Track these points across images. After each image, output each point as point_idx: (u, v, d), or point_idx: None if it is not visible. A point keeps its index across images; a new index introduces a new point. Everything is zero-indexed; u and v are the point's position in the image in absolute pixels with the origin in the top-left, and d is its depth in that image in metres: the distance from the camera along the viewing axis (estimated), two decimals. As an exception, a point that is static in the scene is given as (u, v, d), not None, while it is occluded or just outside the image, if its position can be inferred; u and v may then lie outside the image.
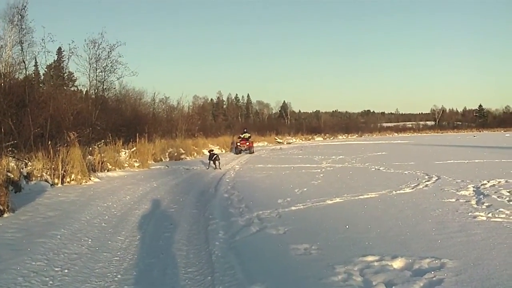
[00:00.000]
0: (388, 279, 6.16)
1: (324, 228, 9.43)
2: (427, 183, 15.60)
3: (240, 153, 43.72)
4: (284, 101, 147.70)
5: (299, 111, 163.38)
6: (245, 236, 9.20)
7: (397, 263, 6.78)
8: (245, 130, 48.79)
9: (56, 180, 18.09)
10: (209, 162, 27.23)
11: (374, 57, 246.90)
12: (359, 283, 6.14)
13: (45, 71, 35.08)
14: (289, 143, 77.96)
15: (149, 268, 7.75)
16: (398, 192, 13.94)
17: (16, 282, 6.79)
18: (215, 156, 27.25)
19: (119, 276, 7.30)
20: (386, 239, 8.25)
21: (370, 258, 7.04)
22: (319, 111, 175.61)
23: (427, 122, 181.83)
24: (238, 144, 45.05)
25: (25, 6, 26.66)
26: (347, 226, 9.39)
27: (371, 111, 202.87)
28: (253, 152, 44.47)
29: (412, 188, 14.56)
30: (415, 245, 7.67)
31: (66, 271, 7.48)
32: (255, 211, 11.48)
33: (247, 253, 7.88)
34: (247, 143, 44.99)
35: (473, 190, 13.46)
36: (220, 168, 26.19)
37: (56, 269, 7.55)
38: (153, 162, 30.31)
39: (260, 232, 9.43)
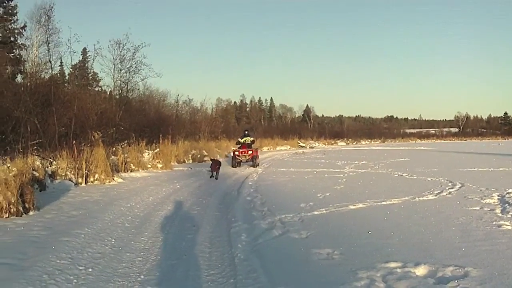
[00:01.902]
0: (411, 286, 6.12)
1: (346, 233, 9.41)
2: (450, 190, 15.49)
3: (238, 165, 31.43)
4: (307, 105, 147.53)
5: (322, 115, 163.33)
6: (268, 239, 9.21)
7: (420, 270, 6.74)
8: (246, 132, 34.74)
9: (80, 180, 18.22)
10: (212, 171, 23.70)
11: (398, 62, 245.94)
12: (381, 289, 6.09)
13: (70, 71, 35.49)
14: (312, 147, 77.95)
15: (172, 269, 7.79)
16: (421, 198, 13.85)
17: (41, 279, 6.85)
18: (218, 164, 23.85)
19: (142, 276, 7.35)
20: (409, 245, 8.20)
21: (392, 265, 7.00)
22: (342, 115, 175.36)
23: (450, 128, 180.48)
24: (236, 152, 31.80)
25: (52, 7, 27.01)
26: (370, 232, 9.36)
27: (394, 116, 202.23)
28: (257, 165, 31.66)
29: (436, 195, 14.46)
30: (439, 252, 7.61)
31: (90, 270, 7.55)
32: (277, 215, 11.49)
33: (270, 257, 7.89)
34: (249, 152, 31.60)
35: (498, 199, 13.32)
36: (216, 178, 22.78)
37: (80, 267, 7.62)
38: (176, 163, 30.41)
39: (283, 235, 9.43)
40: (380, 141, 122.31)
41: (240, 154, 31.47)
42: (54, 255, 8.13)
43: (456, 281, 6.19)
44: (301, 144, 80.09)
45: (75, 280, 7.00)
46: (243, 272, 7.24)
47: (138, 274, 7.44)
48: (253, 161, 31.40)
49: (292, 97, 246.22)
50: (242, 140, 32.93)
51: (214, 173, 23.21)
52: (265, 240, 9.12)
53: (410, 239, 8.73)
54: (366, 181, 19.27)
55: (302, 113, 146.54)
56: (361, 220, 10.79)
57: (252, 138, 33.65)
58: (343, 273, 6.71)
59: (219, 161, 24.24)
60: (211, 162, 24.79)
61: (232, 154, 33.00)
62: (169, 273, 7.58)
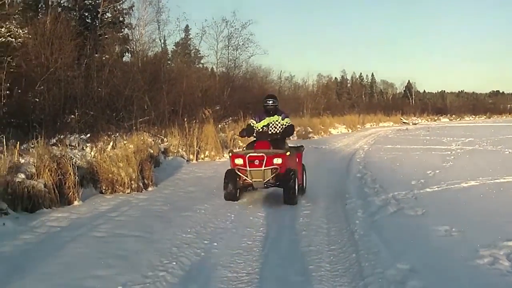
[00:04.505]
0: (538, 266, 6.05)
1: (462, 211, 9.41)
2: None
3: (242, 191, 11.77)
4: (409, 81, 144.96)
5: (424, 91, 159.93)
6: (384, 216, 9.29)
7: (546, 251, 6.61)
8: (270, 101, 12.59)
9: (191, 156, 18.79)
10: None
11: (503, 35, 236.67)
12: (507, 267, 6.08)
13: (173, 48, 36.34)
14: (415, 124, 76.72)
15: (293, 244, 8.04)
16: (539, 177, 13.48)
17: (171, 251, 7.27)
18: None
19: (265, 250, 7.61)
20: (531, 224, 8.10)
21: (515, 243, 6.89)
22: (444, 91, 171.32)
23: None
24: (239, 161, 11.37)
25: (164, -13, 27.91)
26: (487, 210, 9.31)
27: (500, 91, 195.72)
28: (299, 188, 11.69)
29: (555, 173, 14.04)
30: None
31: (215, 244, 7.89)
32: (390, 192, 11.45)
33: (389, 233, 7.97)
34: (275, 160, 11.19)
35: None
36: None
37: (205, 241, 7.99)
38: (281, 139, 30.52)
39: (398, 212, 9.50)
40: (485, 117, 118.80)
41: (250, 167, 11.24)
42: (179, 229, 8.60)
43: None
44: (404, 121, 79.09)
45: (202, 253, 7.35)
46: (364, 247, 7.33)
47: (261, 249, 7.70)
48: (286, 185, 11.16)
49: (393, 73, 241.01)
50: (259, 125, 12.73)
51: None
52: (382, 217, 9.19)
53: (531, 217, 8.61)
54: (476, 158, 18.92)
55: (404, 89, 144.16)
56: (475, 197, 10.70)
57: (285, 120, 12.76)
58: (464, 250, 6.72)
59: None
60: None
61: (230, 163, 11.97)
62: (291, 248, 7.83)
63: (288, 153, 11.40)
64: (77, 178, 10.92)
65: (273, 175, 11.22)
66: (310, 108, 48.66)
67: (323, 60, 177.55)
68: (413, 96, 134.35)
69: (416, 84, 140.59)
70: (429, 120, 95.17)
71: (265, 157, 11.08)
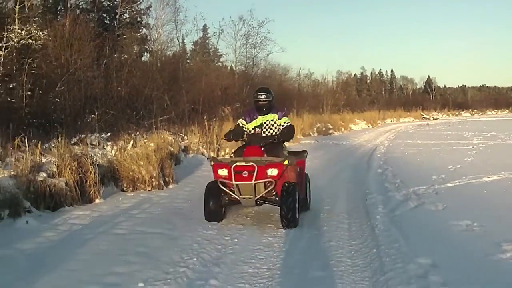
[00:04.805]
0: (563, 262, 6.00)
1: (483, 206, 9.33)
2: None
3: (227, 208, 9.53)
4: (429, 76, 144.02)
5: (444, 86, 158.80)
6: (405, 211, 9.25)
7: None
8: (260, 95, 9.80)
9: (211, 154, 18.80)
10: None
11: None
12: (530, 262, 6.01)
13: (191, 47, 36.53)
14: (436, 119, 76.37)
15: (314, 240, 8.07)
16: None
17: (192, 248, 7.31)
18: None
19: (286, 246, 7.65)
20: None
21: (539, 238, 6.81)
22: (465, 86, 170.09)
23: None
24: (223, 173, 9.02)
25: (181, -13, 28.04)
26: (509, 204, 9.24)
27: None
28: (301, 204, 9.33)
29: None
30: None
31: (235, 240, 7.93)
32: (410, 187, 11.39)
33: (409, 228, 7.93)
34: (269, 171, 8.69)
35: None
36: None
37: (226, 238, 8.03)
38: (302, 136, 30.53)
39: (419, 207, 9.46)
40: (508, 111, 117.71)
41: (237, 180, 8.78)
42: (200, 225, 8.65)
43: None
44: (425, 116, 78.74)
45: (223, 249, 7.41)
46: (385, 242, 7.29)
47: (282, 245, 7.74)
48: (283, 204, 8.69)
49: (412, 68, 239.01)
50: (250, 126, 10.00)
51: None
52: (402, 212, 9.17)
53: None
54: (498, 153, 18.81)
55: (423, 84, 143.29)
56: (498, 192, 10.61)
57: (283, 120, 9.90)
58: (486, 245, 6.68)
59: None
60: None
61: (213, 174, 9.58)
62: (311, 243, 7.88)
63: (286, 162, 8.80)
64: (98, 176, 10.96)
65: (267, 190, 8.85)
66: (330, 104, 48.59)
67: (342, 57, 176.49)
68: (434, 91, 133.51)
69: (436, 79, 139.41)
70: (450, 115, 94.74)
71: (256, 168, 8.62)
